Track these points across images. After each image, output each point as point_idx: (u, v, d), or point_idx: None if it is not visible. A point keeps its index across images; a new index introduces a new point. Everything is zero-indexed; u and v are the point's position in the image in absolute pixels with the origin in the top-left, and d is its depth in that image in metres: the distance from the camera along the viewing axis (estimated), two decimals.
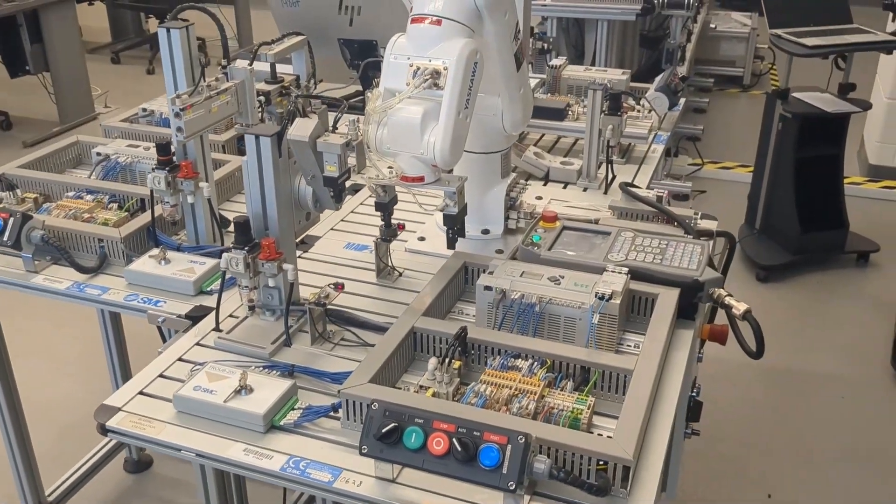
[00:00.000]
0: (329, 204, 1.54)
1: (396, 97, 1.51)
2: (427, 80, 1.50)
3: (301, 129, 1.46)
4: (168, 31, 1.69)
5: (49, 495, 2.43)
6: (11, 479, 2.35)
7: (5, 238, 1.72)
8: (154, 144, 2.08)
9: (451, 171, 1.64)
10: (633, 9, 4.17)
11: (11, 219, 1.72)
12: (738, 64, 6.54)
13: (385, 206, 1.66)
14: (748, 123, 4.23)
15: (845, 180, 4.05)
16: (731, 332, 1.69)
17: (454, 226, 1.64)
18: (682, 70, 4.58)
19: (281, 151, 1.47)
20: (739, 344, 1.66)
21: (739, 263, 4.06)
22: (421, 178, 1.58)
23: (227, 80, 1.82)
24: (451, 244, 1.67)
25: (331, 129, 1.52)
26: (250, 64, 2.08)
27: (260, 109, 2.02)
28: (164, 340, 2.04)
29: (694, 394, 1.89)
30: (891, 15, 4.83)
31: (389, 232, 1.70)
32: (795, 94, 3.85)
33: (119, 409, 1.37)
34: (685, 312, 1.61)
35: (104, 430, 1.34)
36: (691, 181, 4.85)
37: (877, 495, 2.73)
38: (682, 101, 2.79)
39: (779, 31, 3.70)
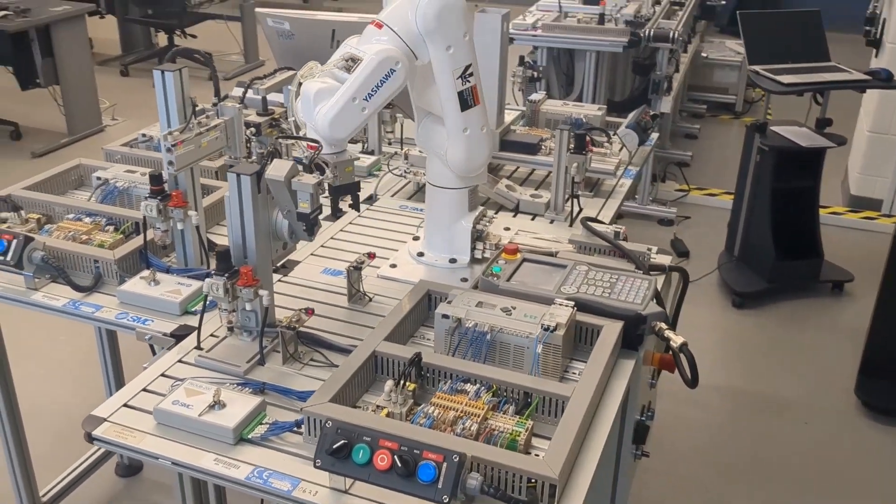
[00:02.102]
0: (303, 236, 1.69)
1: (313, 69, 1.75)
2: (344, 62, 1.73)
3: (278, 169, 1.61)
4: (163, 73, 1.84)
5: (43, 496, 2.58)
6: (8, 479, 2.49)
7: (8, 258, 1.87)
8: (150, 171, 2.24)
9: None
10: (621, 41, 4.33)
11: (14, 241, 1.88)
12: (730, 91, 6.70)
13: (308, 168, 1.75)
14: (738, 151, 4.39)
15: (826, 210, 4.20)
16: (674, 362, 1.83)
17: (337, 196, 1.74)
18: (669, 101, 4.74)
19: (260, 188, 1.62)
20: (679, 373, 1.80)
21: (716, 289, 4.20)
22: (318, 147, 1.72)
23: (218, 117, 1.97)
24: (333, 214, 1.77)
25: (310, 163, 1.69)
26: (242, 99, 2.24)
27: (248, 142, 2.17)
28: (154, 353, 2.19)
29: (643, 418, 2.03)
30: (874, 51, 4.98)
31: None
32: (773, 128, 3.99)
33: (105, 420, 1.51)
34: (630, 343, 1.75)
35: (90, 439, 1.49)
36: (677, 206, 5.01)
37: None
38: (654, 136, 2.93)
39: (757, 68, 3.85)
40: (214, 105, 2.01)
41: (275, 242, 1.73)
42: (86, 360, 3.41)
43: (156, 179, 1.89)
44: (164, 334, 1.78)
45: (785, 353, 3.76)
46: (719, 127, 6.52)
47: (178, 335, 1.77)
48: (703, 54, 6.51)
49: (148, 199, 1.88)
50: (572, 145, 2.28)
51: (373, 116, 2.03)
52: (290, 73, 2.53)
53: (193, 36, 7.47)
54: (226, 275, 1.62)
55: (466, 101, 1.86)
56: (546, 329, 1.60)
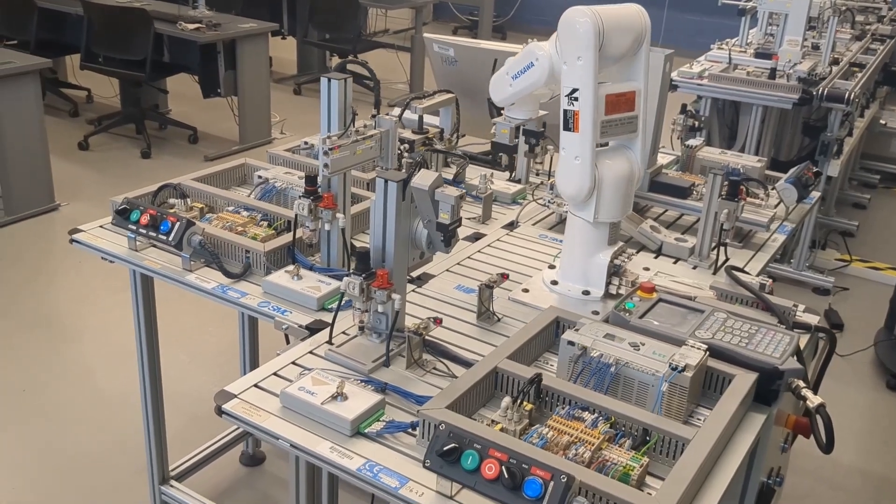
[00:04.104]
0: (440, 247, 1.72)
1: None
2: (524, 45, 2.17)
3: (424, 178, 1.66)
4: (329, 81, 1.94)
5: (172, 470, 2.72)
6: (144, 452, 2.65)
7: (170, 238, 2.01)
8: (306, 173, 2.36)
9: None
10: (791, 98, 4.17)
11: (178, 223, 2.02)
12: None
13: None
14: None
15: None
16: (810, 425, 1.73)
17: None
18: (837, 164, 4.51)
19: (405, 196, 1.67)
20: (814, 436, 1.70)
21: (870, 367, 3.93)
22: None
23: (375, 128, 2.05)
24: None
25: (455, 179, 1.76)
26: (400, 115, 2.33)
27: (401, 156, 2.24)
28: (288, 343, 2.29)
29: (771, 481, 1.92)
30: None
31: None
32: None
33: (235, 396, 1.60)
34: (763, 398, 1.67)
35: (220, 412, 1.57)
36: (835, 276, 4.74)
37: None
38: (816, 194, 2.80)
39: None
40: (373, 117, 2.10)
41: (413, 251, 1.77)
42: (228, 353, 3.60)
43: (310, 180, 1.99)
44: (300, 326, 1.86)
45: None
46: (892, 199, 6.14)
47: (313, 328, 1.85)
48: (882, 121, 6.16)
49: (301, 199, 1.98)
50: (724, 191, 2.22)
51: (523, 99, 2.44)
52: (448, 95, 2.61)
53: (363, 63, 7.81)
54: (363, 275, 1.68)
55: (567, 122, 1.88)
56: (674, 368, 1.55)
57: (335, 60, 8.22)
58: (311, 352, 1.76)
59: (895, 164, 6.31)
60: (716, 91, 4.37)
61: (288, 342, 2.14)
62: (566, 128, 1.90)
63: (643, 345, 1.65)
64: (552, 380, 1.59)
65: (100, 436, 3.22)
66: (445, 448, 1.29)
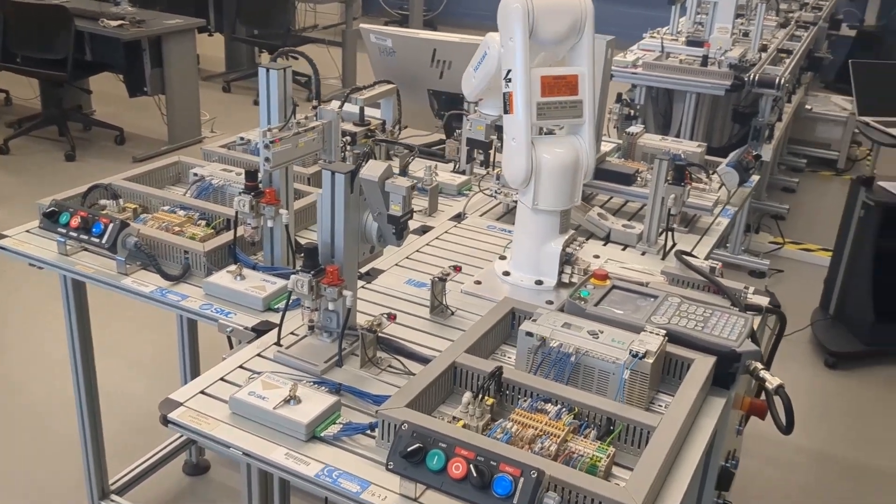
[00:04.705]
0: (391, 240, 1.67)
1: None
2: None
3: (373, 169, 1.60)
4: (268, 71, 1.86)
5: (112, 484, 2.60)
6: (81, 465, 2.53)
7: (103, 241, 1.91)
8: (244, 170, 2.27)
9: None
10: (723, 84, 4.22)
11: (111, 224, 1.92)
12: (833, 147, 6.48)
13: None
14: (837, 208, 4.24)
15: None
16: (767, 406, 1.73)
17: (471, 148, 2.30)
18: (769, 149, 4.59)
19: (353, 188, 1.61)
20: (772, 417, 1.70)
21: (808, 346, 4.01)
22: None
23: (317, 120, 1.98)
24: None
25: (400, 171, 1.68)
26: (341, 106, 2.25)
27: (344, 149, 2.18)
28: (231, 347, 2.20)
29: (728, 465, 1.93)
30: None
31: None
32: (881, 183, 3.82)
33: (181, 404, 1.51)
34: (721, 381, 1.66)
35: (165, 421, 1.48)
36: (770, 259, 4.83)
37: None
38: (756, 178, 2.83)
39: (867, 119, 3.70)
40: (314, 108, 2.03)
41: (363, 245, 1.71)
42: (165, 359, 3.46)
43: (251, 176, 1.91)
44: (246, 328, 1.78)
45: (879, 420, 3.55)
46: (819, 183, 6.31)
47: (260, 330, 1.77)
48: (808, 107, 6.33)
49: (241, 195, 1.90)
50: (670, 176, 2.21)
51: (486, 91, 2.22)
52: (389, 86, 2.55)
53: (295, 57, 7.67)
54: (312, 272, 1.61)
55: (505, 104, 1.86)
56: (635, 356, 1.53)
57: (265, 57, 8.06)
58: (258, 354, 1.68)
59: (821, 149, 6.48)
60: (650, 79, 4.41)
61: (231, 346, 2.05)
62: (505, 110, 1.89)
63: (601, 333, 1.62)
64: (512, 372, 1.55)
65: (35, 452, 3.06)
66: (409, 449, 1.23)
